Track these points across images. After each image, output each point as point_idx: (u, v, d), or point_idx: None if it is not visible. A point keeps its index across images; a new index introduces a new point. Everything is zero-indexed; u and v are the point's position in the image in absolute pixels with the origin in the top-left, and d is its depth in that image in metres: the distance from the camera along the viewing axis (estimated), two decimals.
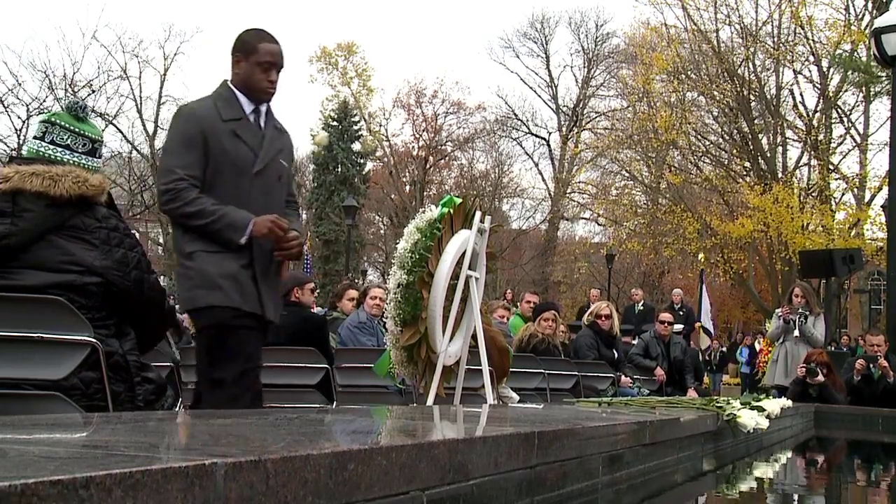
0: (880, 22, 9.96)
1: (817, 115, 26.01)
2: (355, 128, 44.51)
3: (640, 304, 15.75)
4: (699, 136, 27.50)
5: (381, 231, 42.02)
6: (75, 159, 2.92)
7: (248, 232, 3.30)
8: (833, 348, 15.17)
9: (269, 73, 3.53)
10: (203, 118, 3.43)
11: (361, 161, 44.87)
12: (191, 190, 3.32)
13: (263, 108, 3.60)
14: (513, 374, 6.11)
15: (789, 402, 5.58)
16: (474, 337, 4.48)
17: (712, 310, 14.21)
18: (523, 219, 41.24)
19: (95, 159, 3.04)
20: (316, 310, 8.71)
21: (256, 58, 3.52)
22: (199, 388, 3.52)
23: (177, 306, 4.78)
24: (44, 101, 25.63)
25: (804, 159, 26.91)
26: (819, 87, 25.84)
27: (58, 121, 2.97)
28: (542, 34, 41.71)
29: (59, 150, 2.91)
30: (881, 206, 21.74)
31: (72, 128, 2.96)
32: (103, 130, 28.84)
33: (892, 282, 9.23)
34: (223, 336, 3.32)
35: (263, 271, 3.40)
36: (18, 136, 24.74)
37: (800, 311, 9.08)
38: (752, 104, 26.07)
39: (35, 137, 2.99)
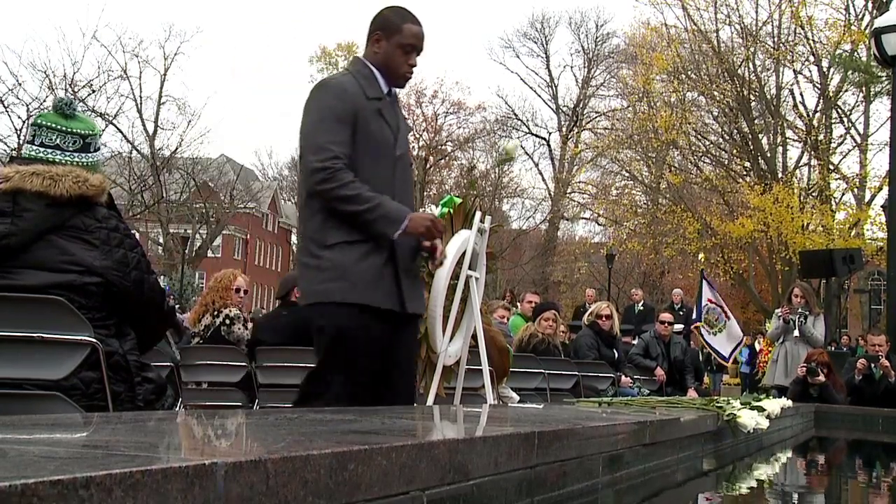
0: (880, 22, 9.97)
1: (817, 115, 26.01)
2: None
3: (640, 305, 15.74)
4: (699, 136, 27.50)
5: None
6: (67, 158, 2.88)
7: (403, 227, 3.13)
8: (833, 348, 15.16)
9: (410, 57, 3.34)
10: (353, 94, 3.24)
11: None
12: (347, 171, 3.12)
13: (395, 92, 3.43)
14: (513, 374, 6.11)
15: (789, 402, 5.57)
16: (474, 337, 4.48)
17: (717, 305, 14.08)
18: (523, 219, 41.28)
19: (91, 154, 2.98)
20: None
21: (399, 39, 3.32)
22: (310, 387, 3.29)
23: (176, 306, 4.78)
24: (44, 101, 25.63)
25: (804, 159, 26.92)
26: (819, 87, 25.84)
27: (44, 122, 2.92)
28: (543, 34, 41.77)
29: (49, 151, 2.88)
30: (881, 206, 21.75)
31: (59, 127, 2.91)
32: (103, 130, 28.81)
33: (892, 282, 9.23)
34: (351, 335, 3.14)
35: (406, 266, 3.24)
36: (18, 136, 24.76)
37: (800, 311, 9.08)
38: (753, 104, 26.08)
39: (27, 142, 2.96)
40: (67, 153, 2.90)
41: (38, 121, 2.95)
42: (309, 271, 3.19)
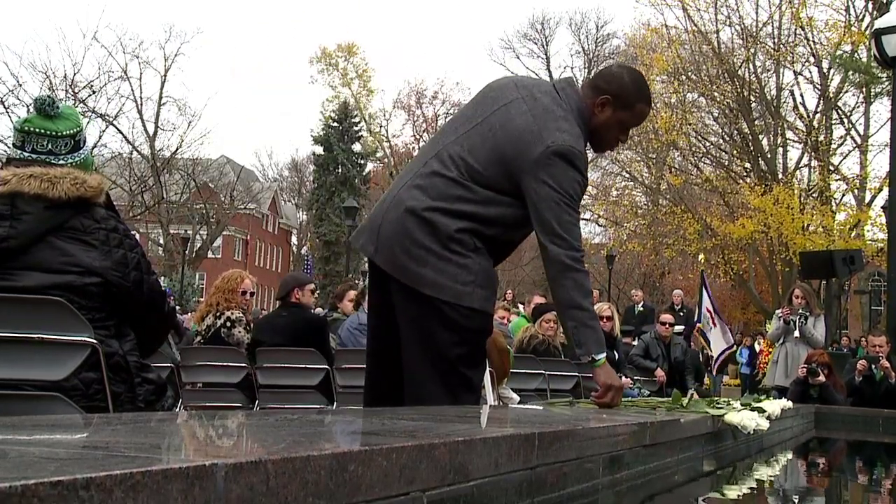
0: (880, 23, 9.97)
1: (818, 116, 26.03)
2: (356, 129, 44.55)
3: (640, 306, 15.76)
4: (699, 137, 27.52)
5: None
6: (62, 162, 2.86)
7: (599, 360, 3.01)
8: (833, 349, 15.17)
9: (624, 135, 3.13)
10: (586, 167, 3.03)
11: (362, 162, 44.95)
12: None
13: None
14: (513, 374, 6.12)
15: (790, 403, 5.57)
16: None
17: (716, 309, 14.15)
18: None
19: (81, 151, 2.94)
20: (317, 311, 8.71)
21: (627, 116, 3.07)
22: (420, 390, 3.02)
23: (177, 307, 4.77)
24: None
25: (804, 160, 26.95)
26: (819, 88, 25.87)
27: (32, 128, 2.85)
28: (543, 35, 41.82)
29: (42, 156, 2.85)
30: (881, 207, 21.76)
31: (48, 132, 2.86)
32: (104, 131, 28.84)
33: (892, 283, 9.23)
34: (481, 340, 3.05)
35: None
36: None
37: (800, 311, 9.09)
38: (753, 105, 26.10)
39: (16, 147, 2.91)
40: (61, 156, 2.87)
41: (26, 127, 2.86)
42: (450, 265, 2.92)
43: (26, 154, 2.85)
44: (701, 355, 12.69)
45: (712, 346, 13.48)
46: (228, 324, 6.17)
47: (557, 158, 2.90)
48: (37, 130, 2.85)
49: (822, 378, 7.54)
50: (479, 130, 3.01)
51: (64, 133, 2.90)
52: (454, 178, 2.96)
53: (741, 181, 26.23)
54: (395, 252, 2.97)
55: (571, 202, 2.95)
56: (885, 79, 19.40)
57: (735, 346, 16.63)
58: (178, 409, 5.02)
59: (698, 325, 14.25)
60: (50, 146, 2.86)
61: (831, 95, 25.39)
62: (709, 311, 13.37)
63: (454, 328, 2.96)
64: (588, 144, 3.09)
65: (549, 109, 2.97)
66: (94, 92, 28.52)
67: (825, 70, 25.51)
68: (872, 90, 23.45)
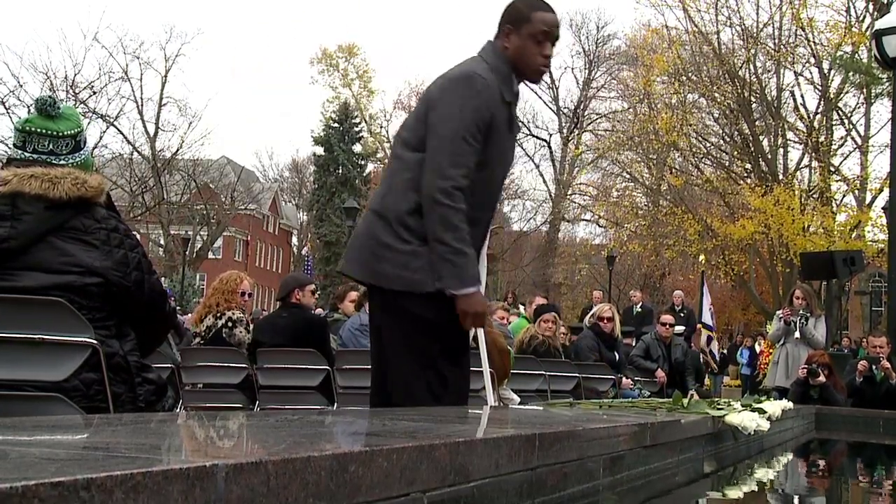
0: (881, 24, 9.97)
1: (818, 116, 26.03)
2: (356, 129, 44.55)
3: (639, 306, 15.77)
4: (700, 138, 27.51)
5: None
6: (63, 162, 2.86)
7: (462, 294, 2.89)
8: (834, 350, 15.17)
9: (544, 47, 3.02)
10: (494, 97, 2.95)
11: (362, 163, 44.91)
12: (463, 198, 2.89)
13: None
14: (514, 375, 6.12)
15: (790, 404, 5.57)
16: (475, 338, 4.48)
17: (713, 311, 14.27)
18: (524, 220, 41.30)
19: (82, 151, 2.95)
20: (317, 312, 8.71)
21: (530, 28, 3.00)
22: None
23: (177, 308, 4.77)
24: None
25: (805, 161, 26.94)
26: (820, 88, 25.86)
27: (33, 128, 2.85)
28: None
29: (44, 157, 2.86)
30: (882, 208, 21.75)
31: (50, 132, 2.86)
32: (104, 132, 28.84)
33: (893, 283, 9.22)
34: (443, 326, 2.98)
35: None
36: None
37: (800, 312, 9.08)
38: (753, 106, 26.09)
39: (15, 146, 2.90)
40: (62, 157, 2.87)
41: (27, 127, 2.85)
42: (400, 255, 2.91)
43: (27, 154, 2.84)
44: (702, 356, 12.68)
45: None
46: (230, 324, 6.17)
47: (450, 84, 2.98)
48: (38, 130, 2.85)
49: (822, 378, 7.54)
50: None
51: (65, 133, 2.89)
52: (399, 158, 3.05)
53: (742, 182, 26.22)
54: (361, 254, 3.05)
55: (460, 128, 2.89)
56: (885, 80, 19.39)
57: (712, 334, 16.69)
58: (178, 410, 5.02)
59: (699, 324, 14.29)
60: (51, 146, 2.86)
61: (832, 96, 25.39)
62: (710, 308, 13.47)
63: (420, 325, 2.96)
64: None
65: (456, 64, 3.08)
66: (94, 93, 28.55)
67: (826, 71, 25.51)
68: (873, 91, 23.44)
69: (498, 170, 3.10)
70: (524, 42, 3.01)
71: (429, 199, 2.88)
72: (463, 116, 2.89)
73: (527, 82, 3.15)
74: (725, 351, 24.11)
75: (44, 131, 2.86)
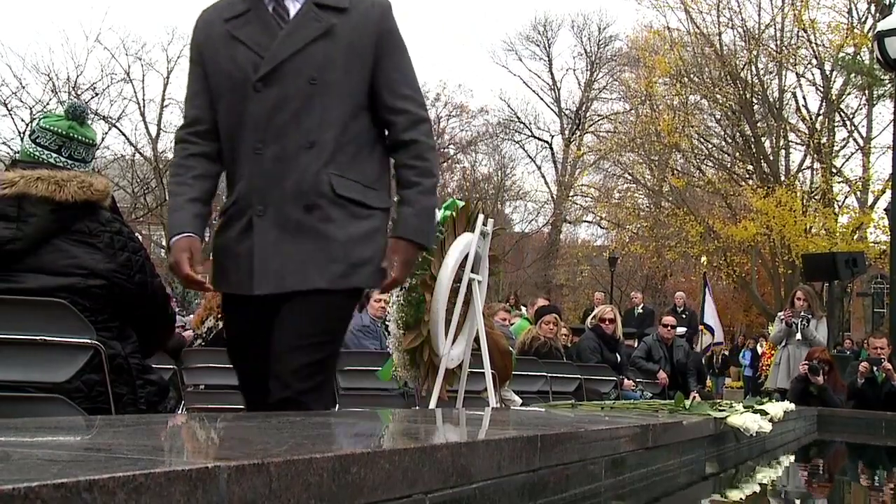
0: (883, 25, 9.97)
1: (820, 118, 26.00)
2: None
3: (640, 308, 15.76)
4: (702, 140, 27.49)
5: None
6: (82, 168, 2.92)
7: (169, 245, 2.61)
8: (836, 352, 15.17)
9: None
10: (202, 29, 2.65)
11: None
12: (187, 143, 2.62)
13: None
14: (515, 377, 6.12)
15: (792, 406, 5.57)
16: (477, 340, 4.48)
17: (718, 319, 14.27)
18: (526, 222, 41.26)
19: (91, 160, 3.03)
20: None
21: None
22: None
23: (179, 310, 4.78)
24: (47, 103, 25.67)
25: (807, 162, 26.90)
26: (822, 90, 25.84)
27: (76, 135, 2.92)
28: (545, 37, 41.72)
29: (77, 164, 2.91)
30: (884, 210, 21.73)
31: (87, 140, 2.93)
32: (106, 133, 28.90)
33: (895, 285, 9.22)
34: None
35: (274, 226, 2.49)
36: (22, 139, 24.77)
37: (802, 314, 9.08)
38: (755, 107, 26.07)
39: (45, 147, 2.91)
40: (88, 164, 2.95)
41: (70, 133, 2.91)
42: None
43: (62, 159, 2.88)
44: (703, 357, 12.69)
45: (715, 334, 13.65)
46: None
47: None
48: (78, 137, 2.91)
49: (821, 380, 7.55)
50: None
51: (96, 142, 3.00)
52: None
53: (743, 183, 26.19)
54: None
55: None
56: (887, 81, 19.41)
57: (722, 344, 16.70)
58: (180, 412, 5.03)
59: (701, 325, 14.30)
60: (84, 154, 2.93)
61: (834, 98, 25.36)
62: (715, 315, 13.49)
63: None
64: None
65: None
66: (96, 94, 28.53)
67: (828, 72, 25.49)
68: (875, 92, 23.45)
69: (224, 83, 2.56)
70: None
71: None
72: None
73: None
74: (727, 352, 24.08)
75: (82, 138, 2.92)
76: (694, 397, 6.22)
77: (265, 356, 2.50)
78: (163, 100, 34.11)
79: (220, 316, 6.23)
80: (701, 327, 15.11)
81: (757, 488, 3.66)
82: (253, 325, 2.55)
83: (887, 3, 21.80)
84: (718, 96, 25.84)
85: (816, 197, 25.58)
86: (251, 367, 2.61)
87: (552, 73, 41.65)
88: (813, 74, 26.24)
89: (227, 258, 2.58)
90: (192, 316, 8.93)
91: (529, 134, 40.67)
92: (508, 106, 41.76)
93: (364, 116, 2.60)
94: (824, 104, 25.85)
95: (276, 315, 2.49)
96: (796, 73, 26.14)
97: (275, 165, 2.49)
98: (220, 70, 2.57)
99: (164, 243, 38.25)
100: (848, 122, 26.36)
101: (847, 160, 26.93)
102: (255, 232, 2.49)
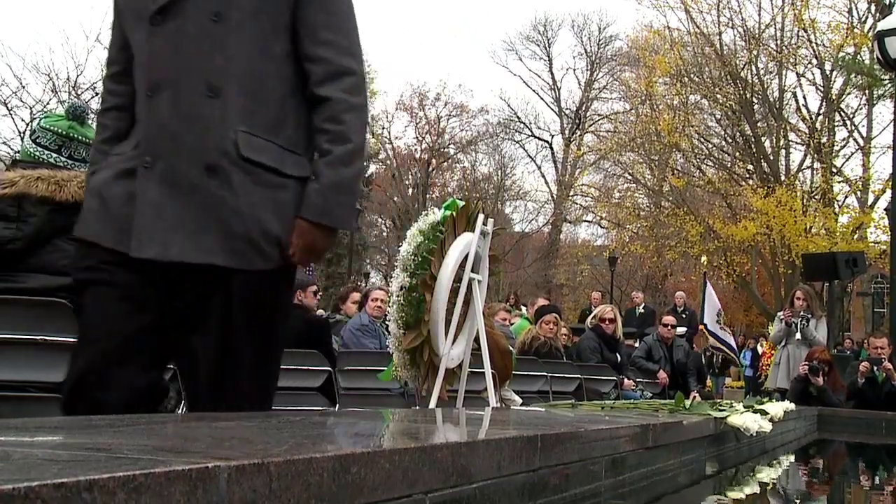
0: (883, 25, 9.97)
1: (820, 118, 26.02)
2: None
3: (641, 308, 15.76)
4: (702, 139, 27.50)
5: (384, 234, 42.04)
6: (83, 169, 2.92)
7: None
8: (836, 351, 15.18)
9: None
10: None
11: (364, 163, 44.90)
12: (104, 95, 2.37)
13: None
14: (515, 376, 6.12)
15: (792, 406, 5.58)
16: (477, 340, 4.48)
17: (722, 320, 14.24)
18: (526, 221, 41.28)
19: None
20: (319, 313, 8.72)
21: None
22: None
23: None
24: (47, 103, 25.65)
25: (807, 162, 26.92)
26: (822, 90, 25.86)
27: (76, 135, 2.92)
28: (545, 37, 41.76)
29: (78, 164, 2.91)
30: (884, 210, 21.74)
31: (87, 140, 2.92)
32: None
33: (895, 285, 9.22)
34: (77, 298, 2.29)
35: (160, 183, 2.11)
36: (22, 139, 24.77)
37: (802, 314, 9.08)
38: (755, 107, 26.09)
39: (45, 147, 2.92)
40: (87, 164, 2.94)
41: (70, 133, 2.91)
42: None
43: (63, 159, 2.88)
44: (703, 357, 12.68)
45: (728, 343, 13.63)
46: None
47: None
48: (79, 137, 2.91)
49: (821, 381, 7.55)
50: None
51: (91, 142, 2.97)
52: None
53: (744, 183, 26.20)
54: None
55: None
56: (887, 81, 19.41)
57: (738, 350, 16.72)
58: (180, 411, 5.02)
59: (701, 325, 14.28)
60: (84, 154, 2.93)
61: (834, 97, 25.38)
62: (719, 313, 13.46)
63: None
64: None
65: None
66: (96, 94, 28.53)
67: (828, 72, 25.51)
68: (875, 92, 23.46)
69: (128, 16, 2.28)
70: None
71: None
72: None
73: None
74: None
75: (83, 138, 2.91)
76: (694, 397, 6.23)
77: (122, 337, 2.12)
78: None
79: None
80: (701, 327, 15.09)
81: (757, 488, 3.66)
82: (123, 292, 2.12)
83: (887, 2, 21.81)
84: (718, 96, 25.85)
85: (816, 197, 25.59)
86: (101, 348, 2.14)
87: (552, 73, 41.72)
88: (813, 74, 26.29)
89: (102, 202, 2.18)
90: None
91: (529, 134, 40.73)
92: (508, 106, 41.85)
93: (287, 66, 2.24)
94: (824, 104, 25.86)
95: (154, 289, 2.11)
96: (796, 73, 26.17)
97: (170, 113, 2.14)
98: (120, 8, 2.31)
99: None
100: (848, 122, 26.39)
101: (847, 160, 26.97)
102: (137, 185, 2.13)
